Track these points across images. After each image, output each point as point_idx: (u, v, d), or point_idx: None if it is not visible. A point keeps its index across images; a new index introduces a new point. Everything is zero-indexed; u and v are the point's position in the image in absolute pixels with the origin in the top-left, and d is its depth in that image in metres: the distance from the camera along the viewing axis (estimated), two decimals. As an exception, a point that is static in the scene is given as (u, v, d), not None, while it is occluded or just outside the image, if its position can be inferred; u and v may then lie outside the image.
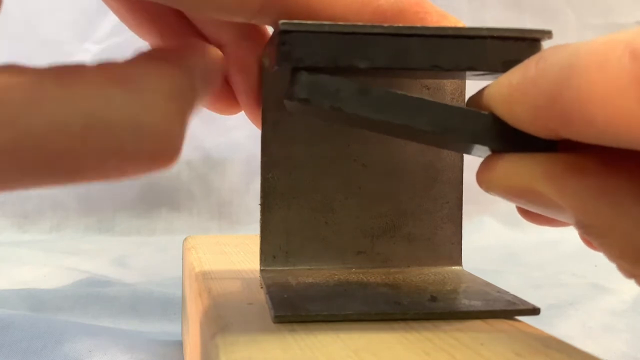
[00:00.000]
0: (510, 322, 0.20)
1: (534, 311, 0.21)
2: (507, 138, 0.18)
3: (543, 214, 0.19)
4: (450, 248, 0.25)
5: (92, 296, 0.45)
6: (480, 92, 0.20)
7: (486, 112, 0.18)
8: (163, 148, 0.16)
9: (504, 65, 0.19)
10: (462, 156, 0.26)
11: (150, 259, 0.64)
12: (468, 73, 0.21)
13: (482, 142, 0.19)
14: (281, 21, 0.19)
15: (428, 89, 0.25)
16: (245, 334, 0.18)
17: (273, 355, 0.16)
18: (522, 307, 0.21)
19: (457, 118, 0.19)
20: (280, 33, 0.19)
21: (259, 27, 0.26)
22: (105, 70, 0.16)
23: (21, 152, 0.14)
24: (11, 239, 0.75)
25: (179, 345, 0.35)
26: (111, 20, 0.83)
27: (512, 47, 0.19)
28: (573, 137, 0.17)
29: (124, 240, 0.75)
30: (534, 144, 0.18)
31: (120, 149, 0.15)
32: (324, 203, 0.25)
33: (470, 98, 0.20)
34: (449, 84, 0.25)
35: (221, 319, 0.20)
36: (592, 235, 0.17)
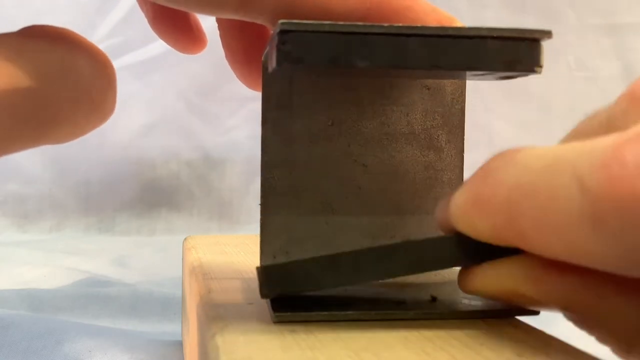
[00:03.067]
0: (511, 322, 0.20)
1: (534, 311, 0.21)
2: (477, 252, 0.19)
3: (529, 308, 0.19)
4: None
5: (92, 296, 0.45)
6: (446, 202, 0.20)
7: (450, 235, 0.19)
8: None
9: (504, 65, 0.19)
10: (462, 156, 0.25)
11: (150, 259, 0.64)
12: (468, 73, 0.21)
13: (457, 264, 0.19)
14: (281, 21, 0.19)
15: (428, 89, 0.25)
16: (245, 334, 0.18)
17: (273, 355, 0.16)
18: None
19: (426, 252, 0.19)
20: (279, 33, 0.19)
21: None
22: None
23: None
24: (11, 239, 0.75)
25: (179, 345, 0.35)
26: (110, 21, 0.83)
27: (512, 47, 0.19)
28: (537, 254, 0.17)
29: (124, 240, 0.75)
30: (505, 251, 0.18)
31: None
32: (324, 203, 0.25)
33: (439, 207, 0.21)
34: (449, 85, 0.25)
35: (221, 319, 0.20)
36: (581, 324, 0.18)
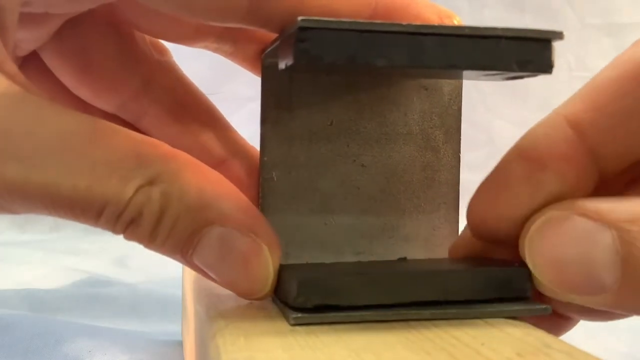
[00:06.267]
0: (511, 322, 0.20)
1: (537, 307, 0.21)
2: (510, 287, 0.20)
3: None
4: (447, 249, 0.25)
5: (92, 296, 0.45)
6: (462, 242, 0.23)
7: (488, 268, 0.20)
8: None
9: (518, 65, 0.19)
10: (459, 156, 0.26)
11: (150, 259, 0.64)
12: (480, 73, 0.20)
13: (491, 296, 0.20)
14: (300, 18, 0.18)
15: (426, 89, 0.25)
16: (246, 334, 0.18)
17: (273, 356, 0.16)
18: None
19: (462, 283, 0.20)
20: (298, 30, 0.18)
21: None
22: None
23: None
24: (11, 239, 0.75)
25: (179, 345, 0.35)
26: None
27: (526, 47, 0.20)
28: None
29: (124, 240, 0.75)
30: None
31: None
32: (323, 204, 0.25)
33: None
34: (446, 85, 0.25)
35: (221, 319, 0.20)
36: None
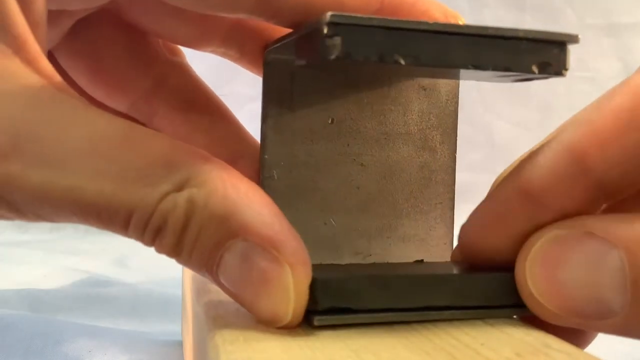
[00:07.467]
0: (511, 322, 0.20)
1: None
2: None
3: None
4: (442, 248, 0.25)
5: (92, 296, 0.45)
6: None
7: (506, 274, 0.20)
8: None
9: (537, 67, 0.19)
10: (455, 157, 0.26)
11: (150, 259, 0.64)
12: (503, 74, 0.20)
13: (509, 302, 0.20)
14: (329, 13, 0.18)
15: (424, 89, 0.25)
16: (245, 334, 0.18)
17: (273, 355, 0.16)
18: None
19: (479, 288, 0.20)
20: (328, 25, 0.18)
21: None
22: None
23: None
24: (11, 239, 0.75)
25: (179, 345, 0.35)
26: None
27: (544, 49, 0.20)
28: None
29: (124, 240, 0.74)
30: None
31: None
32: (323, 203, 0.25)
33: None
34: (443, 86, 0.25)
35: (221, 319, 0.20)
36: None
